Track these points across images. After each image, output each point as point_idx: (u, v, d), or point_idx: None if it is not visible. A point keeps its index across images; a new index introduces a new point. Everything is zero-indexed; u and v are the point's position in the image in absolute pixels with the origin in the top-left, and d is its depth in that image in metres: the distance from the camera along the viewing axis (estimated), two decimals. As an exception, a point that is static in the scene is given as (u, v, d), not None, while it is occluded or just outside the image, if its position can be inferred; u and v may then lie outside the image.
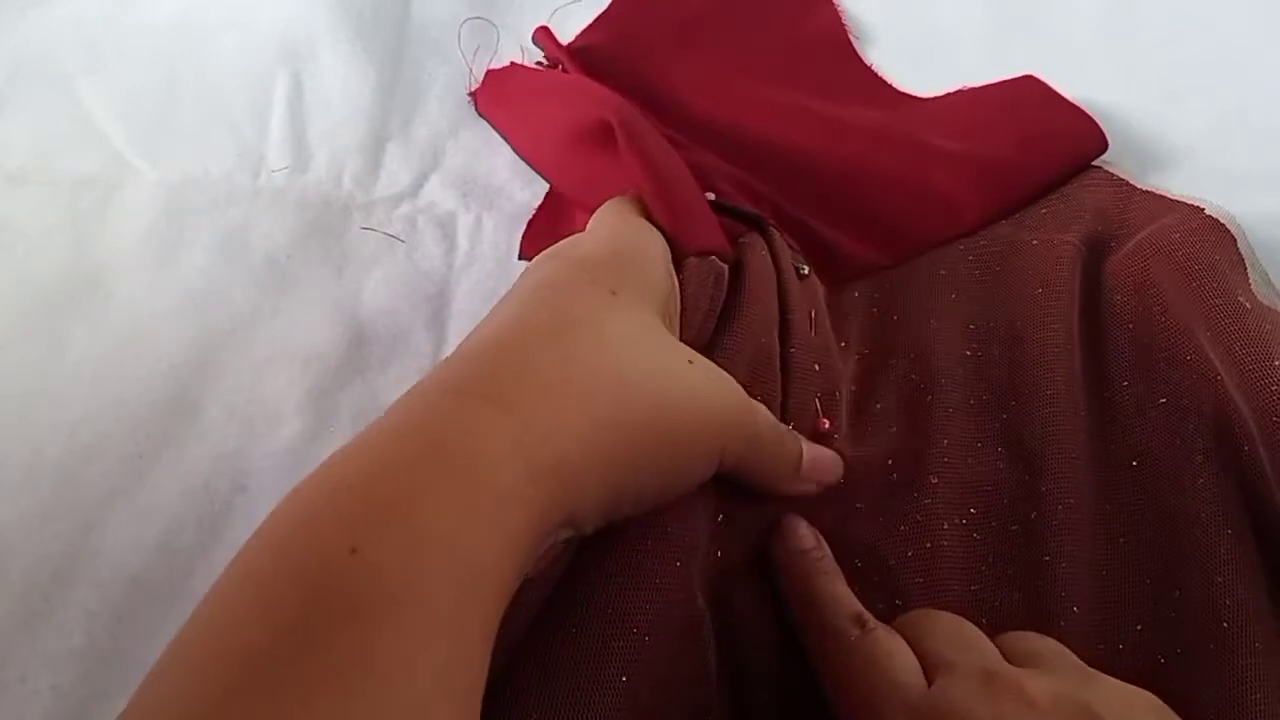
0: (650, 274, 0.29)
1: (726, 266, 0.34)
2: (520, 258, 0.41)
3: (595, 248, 0.29)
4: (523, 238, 0.41)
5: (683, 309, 0.31)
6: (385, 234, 0.41)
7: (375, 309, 0.38)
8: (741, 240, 0.36)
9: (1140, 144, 0.44)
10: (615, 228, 0.31)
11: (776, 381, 0.33)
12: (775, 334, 0.34)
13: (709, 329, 0.32)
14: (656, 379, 0.26)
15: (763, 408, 0.29)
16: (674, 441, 0.25)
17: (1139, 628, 0.30)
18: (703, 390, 0.27)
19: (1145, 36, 0.50)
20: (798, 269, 0.37)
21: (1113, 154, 0.42)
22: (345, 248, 0.40)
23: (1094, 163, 0.42)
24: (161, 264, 0.39)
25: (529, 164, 0.44)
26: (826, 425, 0.33)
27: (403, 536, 0.19)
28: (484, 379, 0.24)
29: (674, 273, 0.31)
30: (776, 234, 0.37)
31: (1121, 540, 0.32)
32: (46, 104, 0.44)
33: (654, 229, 0.32)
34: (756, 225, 0.37)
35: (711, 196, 0.38)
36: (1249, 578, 0.30)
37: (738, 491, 0.30)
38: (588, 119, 0.37)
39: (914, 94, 0.47)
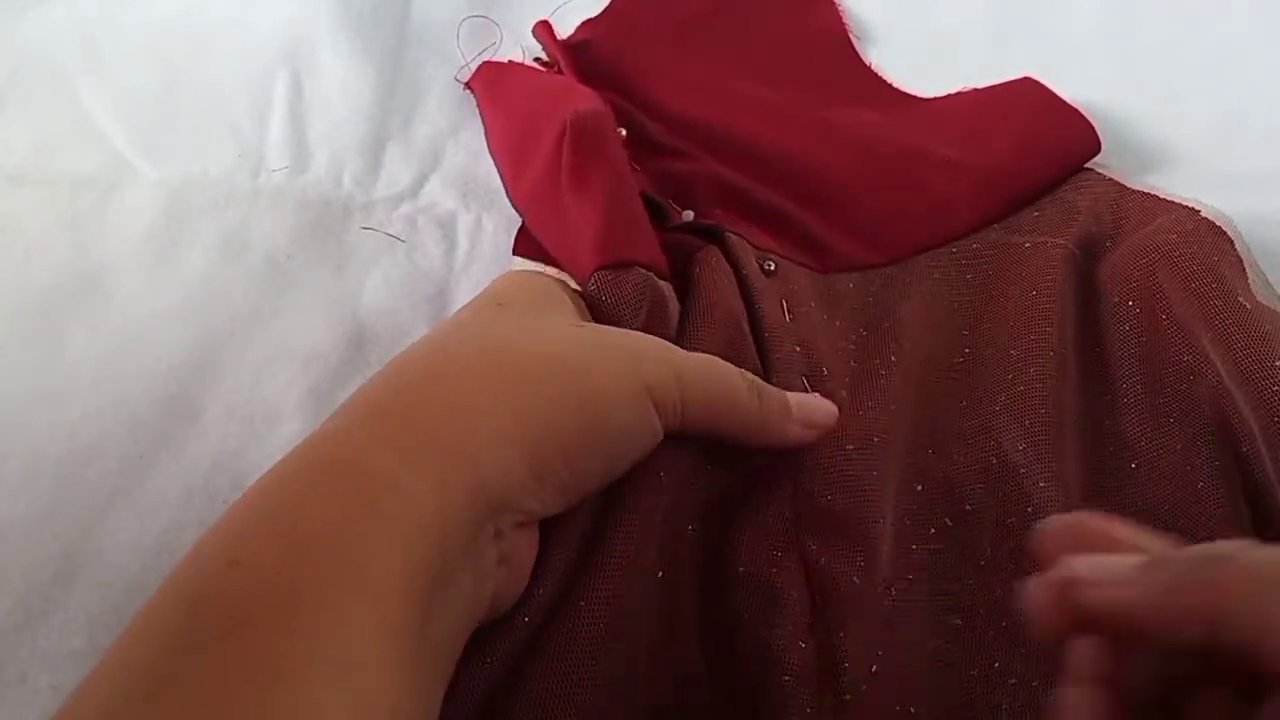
0: (542, 292, 0.30)
1: (663, 281, 0.33)
2: (515, 254, 0.40)
3: (486, 289, 0.31)
4: (517, 234, 0.41)
5: (603, 317, 0.31)
6: (385, 234, 0.41)
7: (375, 309, 0.38)
8: (696, 256, 0.36)
9: (1140, 144, 0.44)
10: (505, 275, 0.33)
11: (756, 367, 0.33)
12: (745, 327, 0.33)
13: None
14: (535, 341, 0.26)
15: (730, 366, 0.29)
16: (577, 388, 0.25)
17: None
18: (594, 339, 0.27)
19: (1145, 36, 0.50)
20: (763, 266, 0.37)
21: (1113, 154, 0.42)
22: (345, 248, 0.40)
23: (1087, 165, 0.42)
24: (161, 264, 0.39)
25: (493, 159, 0.43)
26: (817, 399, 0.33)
27: (281, 543, 0.20)
28: (360, 396, 0.25)
29: (577, 299, 0.32)
30: (733, 238, 0.37)
31: None
32: (46, 104, 0.44)
33: (549, 276, 0.33)
34: (713, 236, 0.37)
35: (690, 215, 0.38)
36: None
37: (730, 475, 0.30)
38: (551, 124, 0.37)
39: (914, 94, 0.47)
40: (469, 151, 0.44)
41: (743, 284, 0.35)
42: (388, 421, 0.23)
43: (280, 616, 0.19)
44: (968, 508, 0.31)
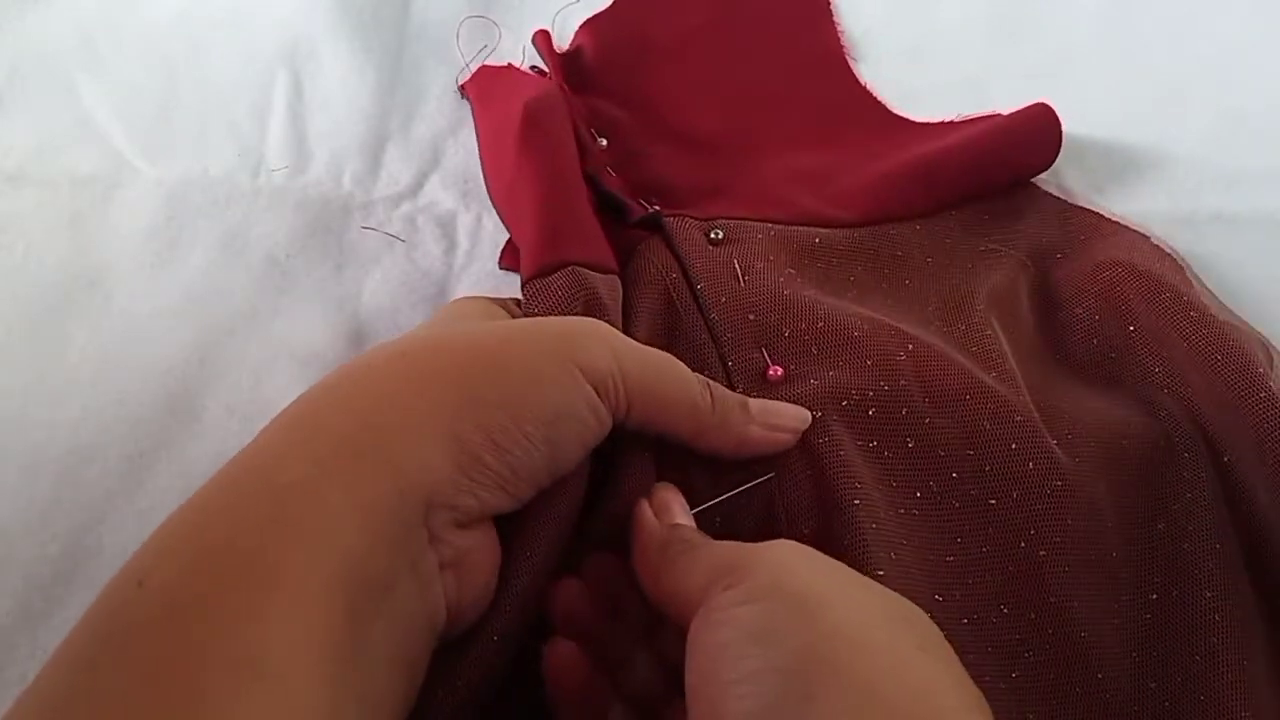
0: (480, 311, 0.30)
1: (610, 275, 0.33)
2: (501, 267, 0.40)
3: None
4: (503, 249, 0.41)
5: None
6: (385, 234, 0.41)
7: (375, 309, 0.38)
8: (636, 249, 0.36)
9: (1140, 144, 0.44)
10: (446, 304, 0.33)
11: (705, 345, 0.32)
12: (690, 315, 0.33)
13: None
14: (456, 336, 0.26)
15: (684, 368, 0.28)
16: (497, 369, 0.24)
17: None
18: (520, 326, 0.27)
19: (1145, 36, 0.50)
20: (709, 235, 0.36)
21: (1114, 154, 0.42)
22: (345, 247, 0.40)
23: (1033, 180, 0.41)
24: (161, 264, 0.39)
25: (481, 163, 0.43)
26: (779, 373, 0.32)
27: (187, 558, 0.20)
28: (280, 414, 0.24)
29: (510, 311, 0.32)
30: (672, 221, 0.37)
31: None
32: (46, 104, 0.44)
33: (492, 299, 0.33)
34: (653, 225, 0.37)
35: (656, 207, 0.38)
36: (1238, 593, 0.30)
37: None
38: (513, 120, 0.37)
39: (907, 117, 0.46)
40: (469, 151, 0.44)
41: (681, 265, 0.35)
42: (298, 431, 0.23)
43: (185, 628, 0.18)
44: (954, 475, 0.30)
